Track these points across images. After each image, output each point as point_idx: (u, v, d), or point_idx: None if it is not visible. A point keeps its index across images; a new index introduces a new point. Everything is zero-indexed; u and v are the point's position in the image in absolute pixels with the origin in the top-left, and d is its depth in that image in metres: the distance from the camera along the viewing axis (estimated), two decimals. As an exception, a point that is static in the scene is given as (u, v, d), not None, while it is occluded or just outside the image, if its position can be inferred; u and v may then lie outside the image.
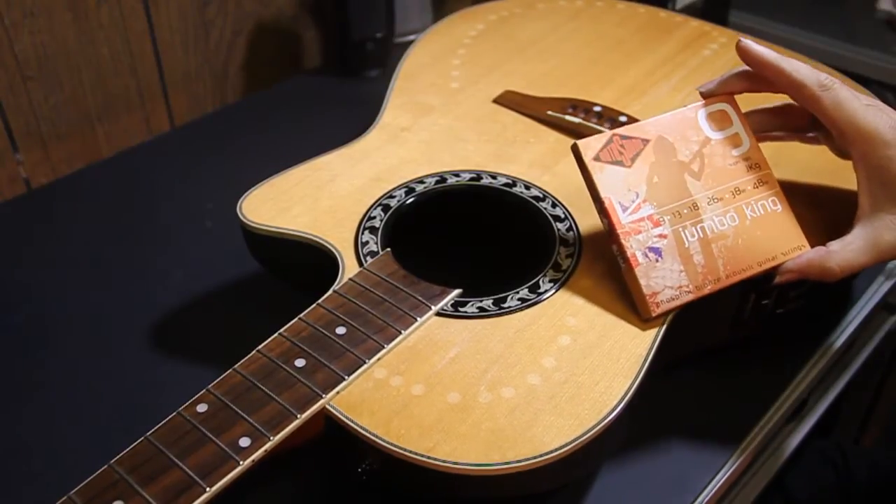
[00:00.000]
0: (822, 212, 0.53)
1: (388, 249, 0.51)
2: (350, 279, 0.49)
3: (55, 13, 0.70)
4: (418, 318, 0.46)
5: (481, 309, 0.47)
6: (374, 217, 0.53)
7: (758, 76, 0.49)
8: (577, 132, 0.61)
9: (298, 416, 0.41)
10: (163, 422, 0.40)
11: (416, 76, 0.68)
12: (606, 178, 0.47)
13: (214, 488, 0.38)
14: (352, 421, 0.41)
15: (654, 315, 0.46)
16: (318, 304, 0.47)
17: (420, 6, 0.93)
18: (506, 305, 0.47)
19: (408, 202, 0.55)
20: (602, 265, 0.50)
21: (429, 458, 0.39)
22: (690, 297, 0.47)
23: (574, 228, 0.53)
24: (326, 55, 0.94)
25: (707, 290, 0.47)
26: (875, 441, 0.93)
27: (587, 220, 0.53)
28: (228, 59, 0.85)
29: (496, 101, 0.65)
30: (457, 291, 0.48)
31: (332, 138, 0.63)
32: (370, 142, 0.60)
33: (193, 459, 0.39)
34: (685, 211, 0.47)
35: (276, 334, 0.45)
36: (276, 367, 0.43)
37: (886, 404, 0.89)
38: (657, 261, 0.46)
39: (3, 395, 0.54)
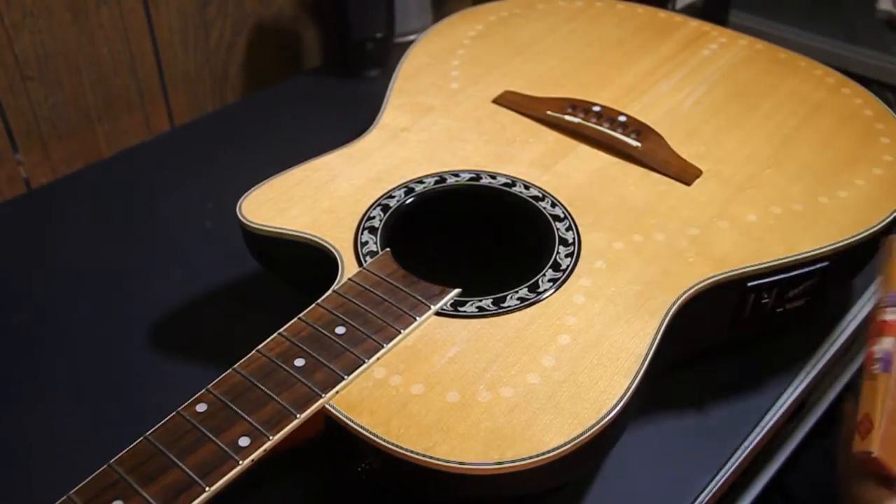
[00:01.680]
0: (824, 209, 0.53)
1: (388, 249, 0.51)
2: (349, 279, 0.49)
3: (55, 13, 0.70)
4: (418, 318, 0.46)
5: (481, 308, 0.47)
6: (374, 217, 0.53)
7: None
8: (577, 132, 0.61)
9: (298, 415, 0.41)
10: (162, 421, 0.40)
11: (416, 76, 0.68)
12: None
13: (214, 488, 0.38)
14: (351, 420, 0.41)
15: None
16: (317, 304, 0.47)
17: (420, 6, 0.93)
18: (505, 305, 0.47)
19: (407, 202, 0.55)
20: (602, 264, 0.50)
21: (428, 457, 0.39)
22: None
23: (573, 228, 0.53)
24: (326, 55, 0.94)
25: None
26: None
27: (586, 220, 0.53)
28: (228, 59, 0.85)
29: (496, 101, 0.65)
30: (456, 291, 0.48)
31: (332, 138, 0.63)
32: (370, 142, 0.60)
33: (193, 459, 0.39)
34: None
35: (275, 334, 0.45)
36: (276, 366, 0.43)
37: (886, 404, 0.88)
38: None
39: (2, 395, 0.54)
